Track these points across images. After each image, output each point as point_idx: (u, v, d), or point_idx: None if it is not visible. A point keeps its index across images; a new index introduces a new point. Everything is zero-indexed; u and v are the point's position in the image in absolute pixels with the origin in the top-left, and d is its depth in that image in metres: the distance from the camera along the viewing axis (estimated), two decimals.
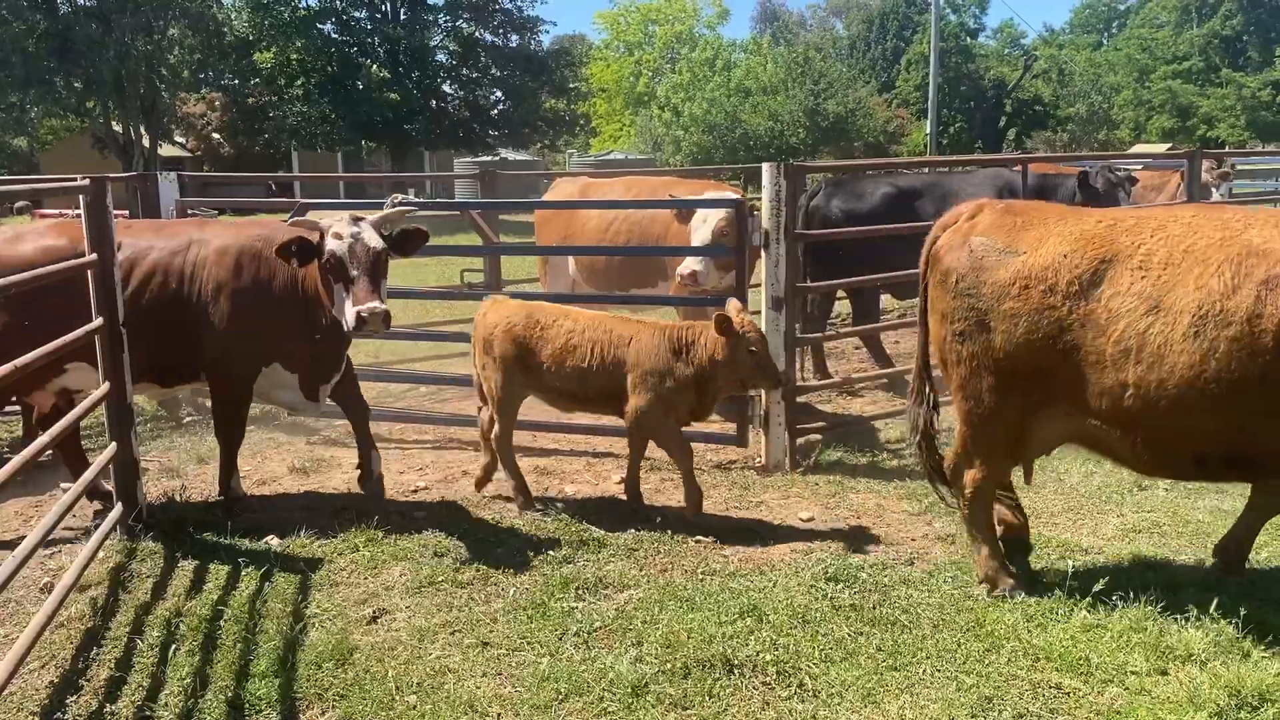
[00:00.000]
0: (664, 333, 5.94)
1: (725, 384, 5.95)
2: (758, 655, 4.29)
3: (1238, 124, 53.92)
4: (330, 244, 5.73)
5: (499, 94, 41.90)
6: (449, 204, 11.23)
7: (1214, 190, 10.91)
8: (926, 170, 10.96)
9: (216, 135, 42.00)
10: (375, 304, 5.62)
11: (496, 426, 6.19)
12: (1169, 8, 62.14)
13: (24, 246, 6.10)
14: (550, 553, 5.45)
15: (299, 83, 38.30)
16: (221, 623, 4.73)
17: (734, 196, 7.63)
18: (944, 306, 4.86)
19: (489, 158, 39.44)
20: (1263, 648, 4.29)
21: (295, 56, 38.19)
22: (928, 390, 5.30)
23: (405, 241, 6.08)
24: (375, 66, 37.37)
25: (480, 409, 6.47)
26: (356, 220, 5.80)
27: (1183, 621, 4.48)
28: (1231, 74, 55.38)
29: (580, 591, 4.97)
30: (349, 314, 5.64)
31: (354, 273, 5.69)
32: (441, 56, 41.22)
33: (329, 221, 5.79)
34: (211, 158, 42.80)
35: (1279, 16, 58.27)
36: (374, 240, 5.78)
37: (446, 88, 41.29)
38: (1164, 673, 4.13)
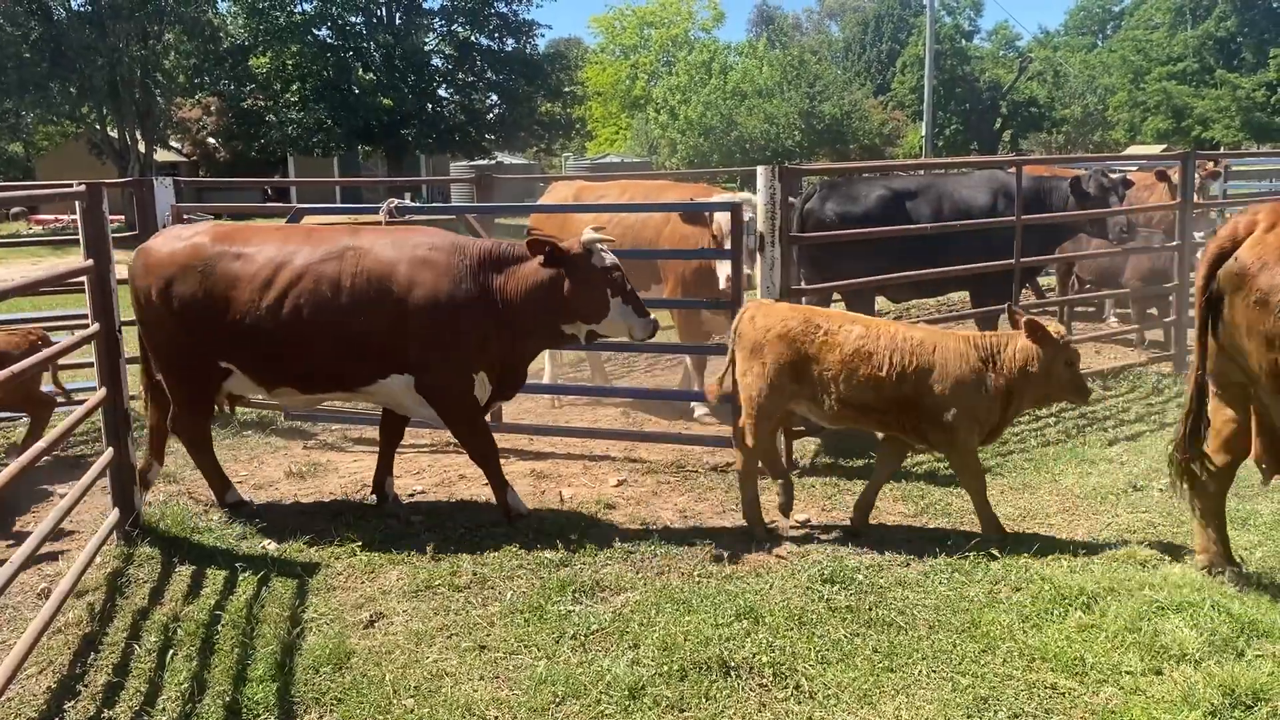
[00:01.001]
0: (969, 340, 5.60)
1: (1031, 398, 5.63)
2: (754, 657, 4.30)
3: (1232, 125, 53.99)
4: (610, 258, 5.85)
5: (495, 98, 41.92)
6: (445, 208, 11.24)
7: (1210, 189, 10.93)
8: (921, 172, 10.97)
9: (212, 140, 41.96)
10: (651, 315, 5.92)
11: (748, 436, 5.82)
12: (1163, 9, 62.24)
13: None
14: (547, 556, 5.46)
15: (295, 87, 38.30)
16: (219, 627, 4.74)
17: (731, 199, 7.63)
18: (1270, 328, 4.43)
19: (485, 161, 39.44)
20: (1256, 647, 4.32)
21: (291, 61, 38.20)
22: (1199, 406, 4.96)
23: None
24: (366, 72, 37.39)
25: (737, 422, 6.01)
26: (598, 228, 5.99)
27: (1177, 621, 4.50)
28: (1226, 75, 55.44)
29: (577, 594, 4.98)
30: (638, 325, 5.88)
31: (628, 285, 5.89)
32: (437, 61, 41.25)
33: (590, 237, 5.85)
34: (207, 162, 42.76)
35: (1273, 18, 58.37)
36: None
37: (442, 92, 41.32)
38: (1159, 672, 4.15)
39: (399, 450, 7.54)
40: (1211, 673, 4.08)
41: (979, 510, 5.65)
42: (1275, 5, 58.40)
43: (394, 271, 5.83)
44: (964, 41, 59.98)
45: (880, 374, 5.49)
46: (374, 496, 6.46)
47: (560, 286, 5.82)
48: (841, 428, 6.07)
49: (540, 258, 5.83)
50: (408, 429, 7.88)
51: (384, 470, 6.49)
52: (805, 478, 6.77)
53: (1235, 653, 4.27)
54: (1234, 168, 18.39)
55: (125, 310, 5.95)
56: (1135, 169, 13.77)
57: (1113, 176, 9.09)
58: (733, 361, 5.88)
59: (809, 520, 6.06)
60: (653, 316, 5.93)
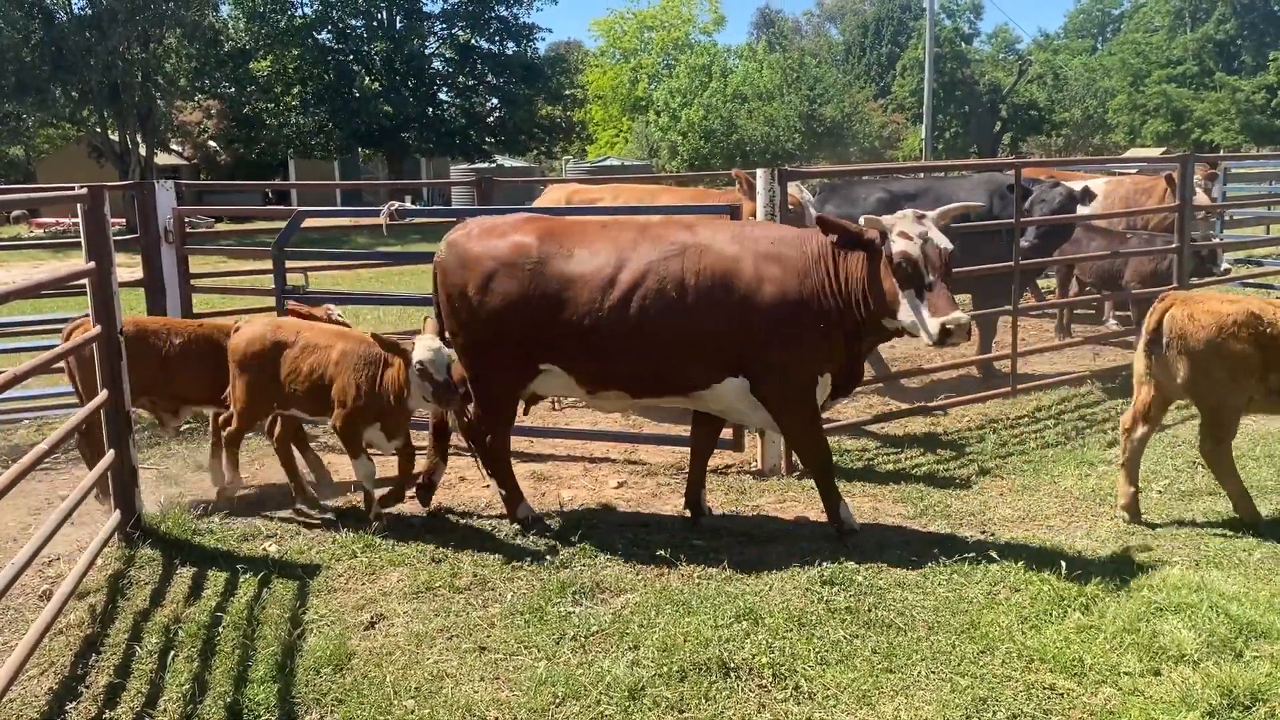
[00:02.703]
0: None
1: None
2: (754, 658, 4.31)
3: (1232, 127, 54.08)
4: (899, 244, 5.18)
5: (495, 101, 42.01)
6: (446, 210, 11.27)
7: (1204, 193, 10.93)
8: (920, 175, 11.00)
9: (213, 143, 42.02)
10: (959, 314, 5.09)
11: (1209, 441, 5.77)
12: (1163, 12, 62.38)
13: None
14: (547, 557, 5.48)
15: (295, 91, 38.41)
16: (220, 629, 4.75)
17: (727, 203, 7.65)
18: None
19: (485, 165, 39.49)
20: (1254, 648, 4.33)
21: (291, 65, 38.31)
22: None
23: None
24: (367, 76, 37.46)
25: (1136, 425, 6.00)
26: (921, 218, 5.25)
27: (1175, 622, 4.51)
28: (1225, 78, 55.55)
29: (577, 596, 4.99)
30: (931, 325, 5.10)
31: (930, 278, 5.15)
32: (438, 64, 41.35)
33: (891, 219, 5.28)
34: (208, 166, 42.83)
35: (1272, 20, 58.47)
36: (944, 241, 5.23)
37: (443, 95, 41.41)
38: (1157, 673, 4.17)
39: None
40: (1210, 673, 4.09)
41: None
42: (1275, 8, 58.48)
43: (738, 268, 5.51)
44: (964, 45, 60.07)
45: None
46: (688, 512, 6.14)
47: (878, 274, 5.29)
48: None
49: (836, 238, 5.36)
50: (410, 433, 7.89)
51: (697, 485, 6.14)
52: (805, 479, 6.78)
53: (1233, 654, 4.28)
54: (1234, 170, 18.44)
55: (127, 313, 5.98)
56: (1135, 171, 13.81)
57: (1057, 190, 9.12)
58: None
59: (807, 519, 6.06)
60: (954, 317, 5.07)
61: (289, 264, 8.33)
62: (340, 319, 6.85)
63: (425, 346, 5.55)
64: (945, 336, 5.06)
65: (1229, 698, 3.93)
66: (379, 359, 5.81)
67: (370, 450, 6.13)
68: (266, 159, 40.47)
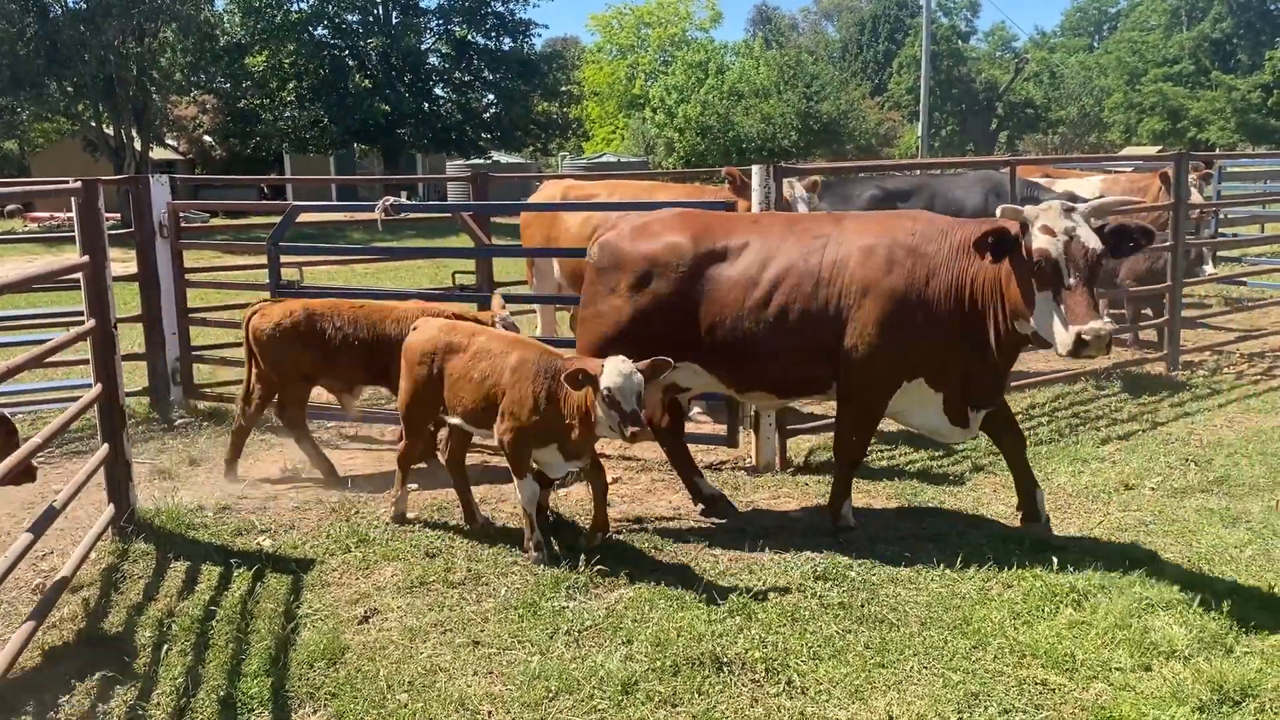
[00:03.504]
0: None
1: None
2: (747, 653, 4.32)
3: (1228, 126, 54.19)
4: (1039, 240, 4.75)
5: (491, 97, 41.95)
6: (441, 205, 11.26)
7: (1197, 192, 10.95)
8: (916, 172, 11.01)
9: (208, 138, 41.92)
10: (1099, 323, 4.59)
11: None
12: (1159, 11, 62.44)
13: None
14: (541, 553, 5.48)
15: (291, 86, 38.32)
16: (213, 623, 4.75)
17: (725, 199, 7.65)
18: None
19: (481, 161, 39.46)
20: (1245, 644, 4.36)
21: (287, 60, 38.21)
22: None
23: (1121, 239, 4.96)
24: (362, 71, 37.40)
25: None
26: (1069, 211, 4.80)
27: (1167, 619, 4.53)
28: (1221, 76, 55.66)
29: (571, 591, 5.00)
30: (1063, 334, 4.65)
31: (1070, 280, 4.67)
32: (434, 60, 41.29)
33: (1034, 211, 4.86)
34: (203, 160, 42.72)
35: (1268, 19, 58.57)
36: (1093, 240, 4.73)
37: (439, 91, 41.34)
38: (1148, 668, 4.18)
39: (394, 448, 7.56)
40: (1200, 669, 4.11)
41: None
42: (1271, 7, 58.57)
43: (868, 260, 5.32)
44: (960, 42, 60.15)
45: None
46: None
47: (1013, 271, 4.91)
48: None
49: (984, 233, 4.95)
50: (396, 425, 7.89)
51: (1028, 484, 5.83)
52: (799, 475, 6.80)
53: (1224, 649, 4.30)
54: (1229, 169, 18.46)
55: (121, 308, 5.97)
56: (1131, 170, 13.83)
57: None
58: None
59: (803, 518, 6.07)
60: (1093, 327, 4.61)
61: (284, 259, 8.33)
62: (512, 323, 6.54)
63: (615, 371, 5.00)
64: (1080, 348, 4.62)
65: (1219, 693, 3.95)
66: (558, 372, 5.28)
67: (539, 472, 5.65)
68: (261, 154, 40.38)
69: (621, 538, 5.71)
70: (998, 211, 5.05)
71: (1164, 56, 59.53)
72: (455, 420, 5.74)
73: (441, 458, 6.33)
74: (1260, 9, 58.71)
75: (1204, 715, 3.85)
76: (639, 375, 5.01)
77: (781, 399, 5.91)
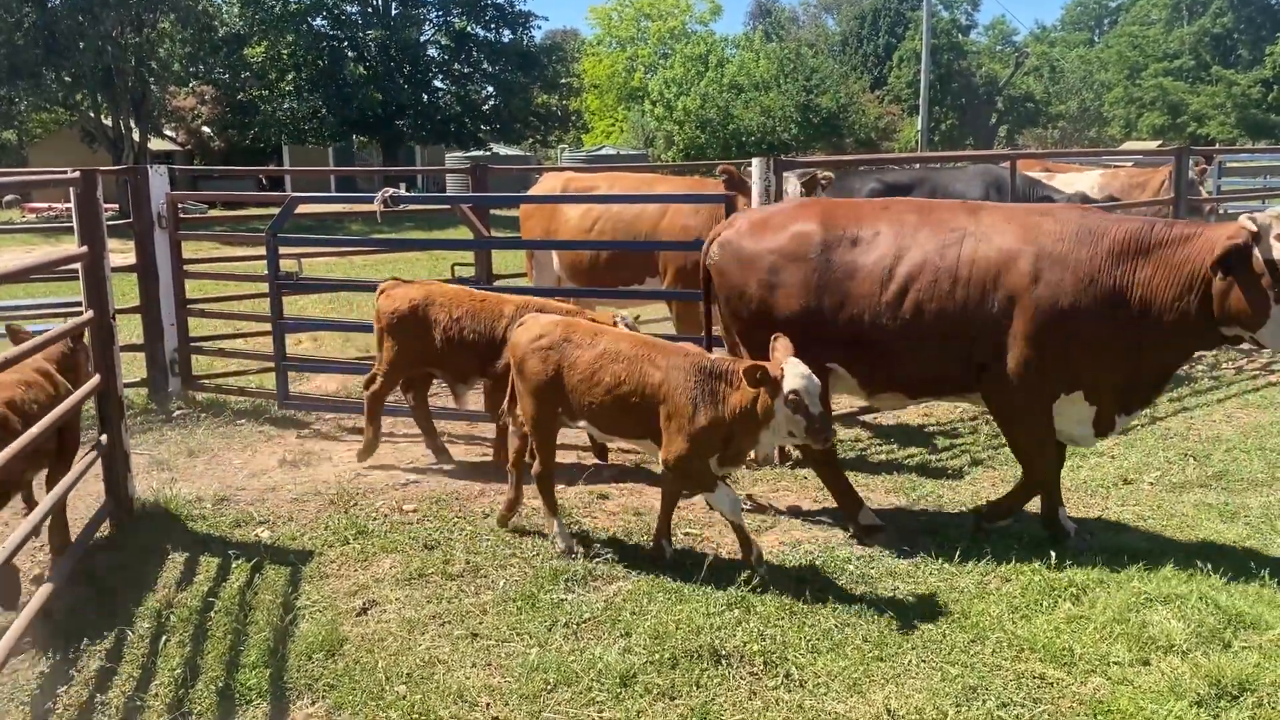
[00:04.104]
0: None
1: None
2: (745, 646, 4.33)
3: (1228, 121, 54.12)
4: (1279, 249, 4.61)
5: (490, 89, 41.87)
6: (441, 197, 11.24)
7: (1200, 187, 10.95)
8: (916, 166, 11.00)
9: (206, 129, 41.86)
10: None
11: None
12: (1160, 5, 62.28)
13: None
14: (540, 545, 5.48)
15: (290, 77, 38.23)
16: (211, 614, 4.75)
17: (724, 192, 7.64)
18: None
19: (480, 153, 39.42)
20: (1243, 639, 4.35)
21: (286, 51, 38.12)
22: None
23: None
24: (361, 62, 37.33)
25: None
26: None
27: (1165, 613, 4.53)
28: (1222, 71, 55.56)
29: (569, 584, 5.00)
30: None
31: None
32: (433, 51, 41.21)
33: (1265, 220, 4.68)
34: (201, 152, 42.66)
35: (1269, 14, 58.46)
36: None
37: (438, 83, 41.28)
38: (1146, 663, 4.19)
39: (391, 440, 7.57)
40: (1198, 663, 4.12)
41: None
42: (1273, 2, 58.46)
43: (1012, 264, 5.06)
44: (960, 36, 60.05)
45: None
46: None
47: (1239, 280, 4.68)
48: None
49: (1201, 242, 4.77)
50: (403, 420, 7.90)
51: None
52: (798, 469, 6.79)
53: (1222, 644, 4.31)
54: (1229, 164, 18.45)
55: (119, 298, 5.96)
56: (1131, 164, 13.82)
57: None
58: None
59: (801, 510, 6.07)
60: None
61: (282, 250, 8.32)
62: (632, 324, 6.21)
63: (797, 372, 4.68)
64: None
65: (1217, 688, 3.95)
66: (718, 374, 4.93)
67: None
68: (260, 146, 40.33)
69: (619, 531, 5.71)
70: (1240, 220, 4.77)
71: (1164, 51, 59.43)
72: (581, 424, 5.40)
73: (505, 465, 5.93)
74: (1261, 4, 58.59)
75: (1202, 709, 3.85)
76: (815, 377, 4.72)
77: (912, 399, 5.69)
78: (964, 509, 6.05)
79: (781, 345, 4.89)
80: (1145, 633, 4.38)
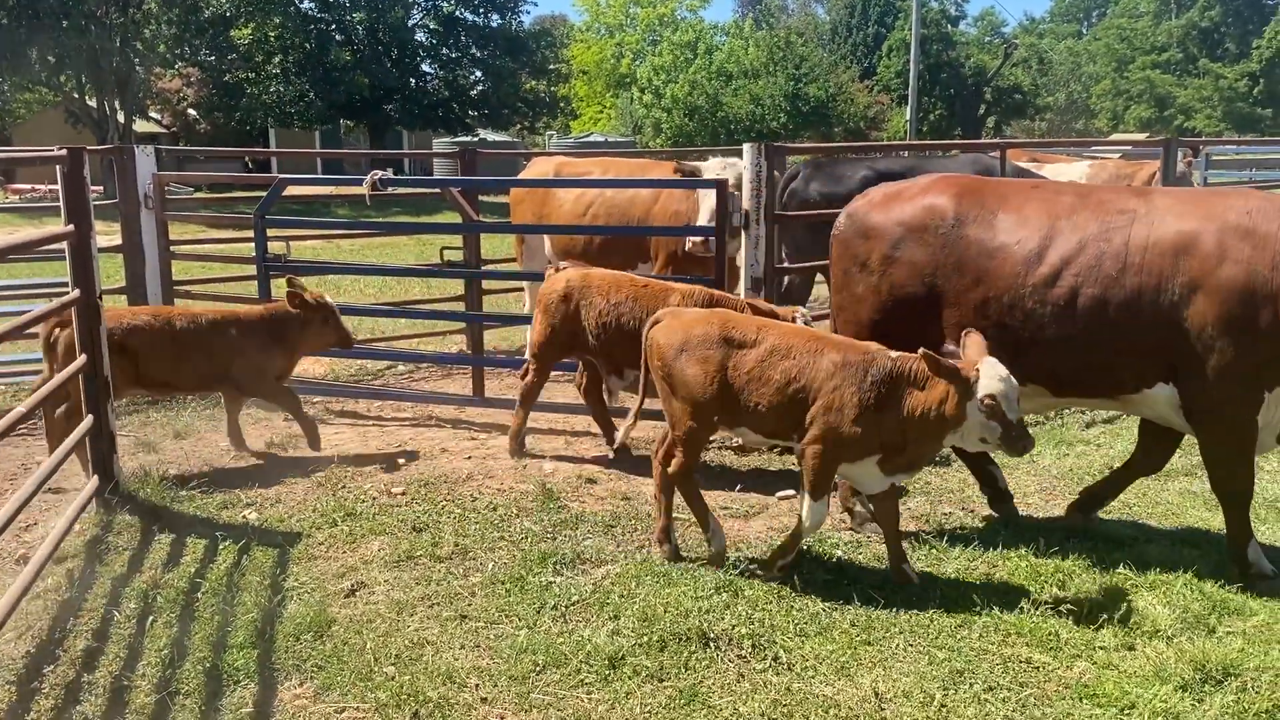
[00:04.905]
0: None
1: None
2: (733, 629, 4.34)
3: (1214, 115, 54.42)
4: None
5: (479, 74, 41.69)
6: (430, 180, 11.19)
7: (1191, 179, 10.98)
8: (906, 154, 11.00)
9: (192, 111, 41.49)
10: None
11: None
12: None
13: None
14: (529, 528, 5.48)
15: (276, 60, 37.95)
16: (199, 595, 4.73)
17: (713, 178, 7.62)
18: None
19: (468, 138, 39.26)
20: (1227, 624, 4.40)
21: (273, 33, 37.83)
22: None
23: None
24: (349, 45, 37.11)
25: None
26: None
27: (1150, 599, 4.57)
28: (1209, 65, 55.85)
29: (558, 566, 5.00)
30: None
31: None
32: (421, 36, 40.99)
33: None
34: (187, 134, 42.30)
35: (1256, 8, 58.70)
36: None
37: (426, 67, 41.07)
38: (1131, 647, 4.22)
39: (381, 423, 7.55)
40: (1183, 648, 4.15)
41: None
42: None
43: (1195, 244, 4.61)
44: (950, 27, 59.98)
45: None
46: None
47: None
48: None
49: None
50: (391, 404, 7.87)
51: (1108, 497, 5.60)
52: (787, 454, 6.80)
53: (1207, 629, 4.35)
54: (1215, 157, 18.51)
55: (105, 279, 5.91)
56: (1118, 155, 13.87)
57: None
58: None
59: (792, 495, 6.09)
60: None
61: (270, 232, 8.27)
62: (809, 321, 5.88)
63: (995, 375, 4.32)
64: None
65: (1202, 672, 3.98)
66: (901, 373, 4.57)
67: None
68: (246, 129, 40.03)
69: (608, 514, 5.71)
70: None
71: (1152, 44, 59.68)
72: (739, 429, 5.00)
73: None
74: None
75: (1186, 694, 3.88)
76: (1014, 379, 4.37)
77: (1057, 396, 5.18)
78: (950, 494, 6.08)
79: (974, 342, 4.54)
80: (1131, 618, 4.41)
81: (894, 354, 4.62)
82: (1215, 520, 5.60)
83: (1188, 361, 4.63)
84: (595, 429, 7.32)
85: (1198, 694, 3.89)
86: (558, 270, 6.65)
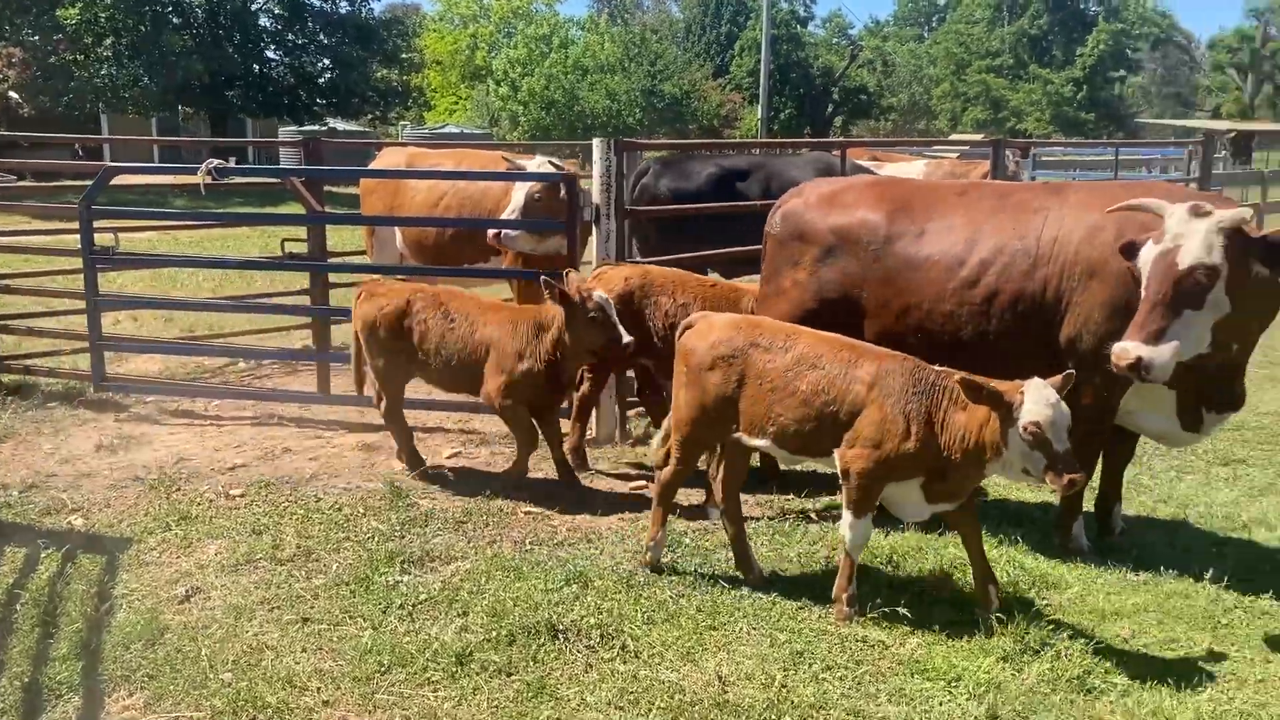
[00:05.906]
0: None
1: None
2: (582, 620, 4.37)
3: (1043, 118, 57.57)
4: None
5: (326, 62, 40.46)
6: (271, 170, 10.82)
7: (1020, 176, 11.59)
8: (754, 152, 11.26)
9: (15, 95, 38.91)
10: None
11: None
12: (983, 5, 65.49)
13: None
14: (375, 527, 5.38)
15: (108, 42, 35.93)
16: (16, 607, 4.47)
17: (562, 170, 7.63)
18: None
19: (316, 128, 38.09)
20: (1045, 598, 4.68)
21: (104, 14, 35.80)
22: None
23: None
24: (187, 28, 35.50)
25: None
26: None
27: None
28: (1038, 70, 59.05)
29: (406, 565, 4.93)
30: None
31: None
32: (265, 21, 39.50)
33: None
34: (10, 119, 39.64)
35: (1079, 19, 62.38)
36: None
37: (270, 53, 39.62)
38: (960, 623, 4.43)
39: (219, 423, 7.29)
40: (1005, 622, 4.37)
41: None
42: (1082, 6, 62.37)
43: (1096, 238, 4.71)
44: (799, 28, 61.54)
45: None
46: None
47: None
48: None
49: None
50: (231, 403, 7.59)
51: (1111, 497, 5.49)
52: (639, 447, 6.87)
53: (1027, 604, 4.60)
54: (1042, 158, 19.61)
55: None
56: (956, 155, 14.53)
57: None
58: None
59: (644, 487, 6.14)
60: None
61: (98, 224, 7.84)
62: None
63: (1043, 400, 3.95)
64: None
65: (1022, 643, 4.22)
66: (942, 390, 4.25)
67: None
68: (75, 114, 37.77)
69: (459, 511, 5.66)
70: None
71: (987, 49, 62.64)
72: (762, 443, 4.65)
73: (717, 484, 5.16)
74: (1073, 8, 62.46)
75: (1008, 664, 4.11)
76: (1065, 405, 4.00)
77: None
78: (796, 483, 6.26)
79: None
80: (962, 595, 4.64)
81: (936, 367, 4.38)
82: (1034, 499, 5.93)
83: (1069, 342, 4.84)
84: (448, 425, 7.24)
85: (1018, 664, 4.12)
86: (605, 264, 6.45)
